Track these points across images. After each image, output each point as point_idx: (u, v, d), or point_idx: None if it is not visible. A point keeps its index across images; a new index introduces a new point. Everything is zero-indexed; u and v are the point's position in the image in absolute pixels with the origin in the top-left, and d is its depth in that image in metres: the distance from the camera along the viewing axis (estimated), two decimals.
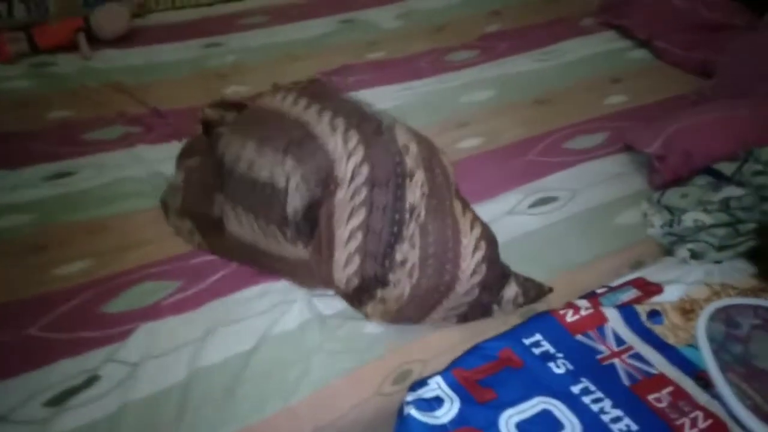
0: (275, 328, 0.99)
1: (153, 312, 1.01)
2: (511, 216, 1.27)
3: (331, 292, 1.07)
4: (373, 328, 1.02)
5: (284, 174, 1.02)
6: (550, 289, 1.08)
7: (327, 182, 1.01)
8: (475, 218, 1.07)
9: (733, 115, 1.28)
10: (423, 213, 1.01)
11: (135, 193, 1.28)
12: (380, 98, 1.65)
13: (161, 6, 2.06)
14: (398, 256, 1.00)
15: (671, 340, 0.92)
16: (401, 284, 0.98)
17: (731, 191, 1.15)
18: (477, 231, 1.03)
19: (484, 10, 2.18)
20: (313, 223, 1.02)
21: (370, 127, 1.06)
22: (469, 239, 1.01)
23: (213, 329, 0.99)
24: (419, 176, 1.04)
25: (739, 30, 1.75)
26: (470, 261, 0.99)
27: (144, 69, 1.75)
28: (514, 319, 1.03)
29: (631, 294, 1.01)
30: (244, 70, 1.78)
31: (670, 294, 1.00)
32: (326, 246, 1.00)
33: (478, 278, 1.00)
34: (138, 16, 1.99)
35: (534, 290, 1.07)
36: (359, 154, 1.01)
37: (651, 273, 1.07)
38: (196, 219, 1.14)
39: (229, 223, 1.09)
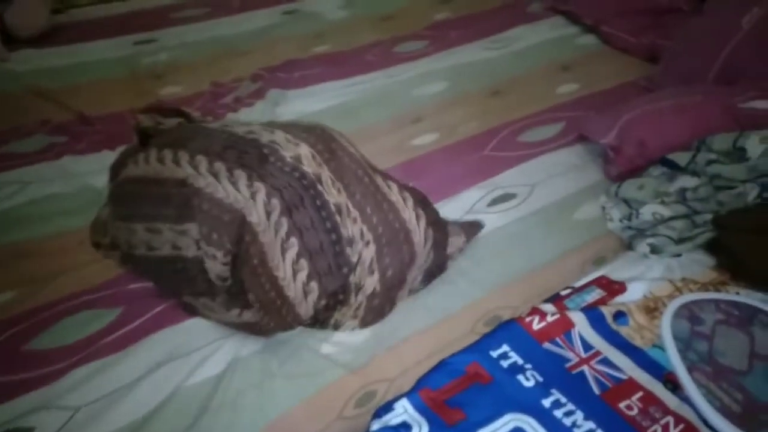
0: (226, 357, 0.92)
1: (90, 347, 0.92)
2: (471, 215, 1.22)
3: None
4: (330, 348, 0.96)
5: (192, 242, 0.92)
6: (482, 225, 1.16)
7: (242, 234, 0.90)
8: (401, 186, 1.06)
9: (685, 103, 1.27)
10: (351, 206, 0.97)
11: (63, 211, 1.17)
12: (328, 95, 1.59)
13: (85, 0, 1.90)
14: (353, 258, 0.96)
15: (637, 341, 0.90)
16: (365, 283, 0.97)
17: (686, 181, 1.15)
18: (410, 200, 1.04)
19: None
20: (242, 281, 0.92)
21: (254, 158, 0.94)
22: (408, 212, 1.02)
23: (159, 363, 0.90)
24: (325, 175, 0.97)
25: (685, 14, 1.76)
26: (419, 232, 1.02)
27: (68, 70, 1.62)
28: (480, 327, 0.99)
29: (596, 294, 0.99)
30: (180, 69, 1.67)
31: (634, 292, 0.99)
32: (274, 293, 0.91)
33: (430, 243, 1.04)
34: (59, 12, 1.84)
35: (472, 229, 1.14)
36: (261, 190, 0.90)
37: (613, 270, 1.05)
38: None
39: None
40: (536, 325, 0.92)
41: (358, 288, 0.97)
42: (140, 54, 1.71)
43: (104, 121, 1.44)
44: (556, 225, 1.21)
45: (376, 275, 0.98)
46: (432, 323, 1.01)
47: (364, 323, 0.98)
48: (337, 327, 0.98)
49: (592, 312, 0.94)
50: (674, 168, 1.19)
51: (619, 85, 1.66)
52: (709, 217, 1.09)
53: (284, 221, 0.90)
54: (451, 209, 1.22)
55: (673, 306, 0.92)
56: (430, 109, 1.55)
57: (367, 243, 0.97)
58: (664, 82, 1.57)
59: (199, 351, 0.93)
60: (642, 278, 1.02)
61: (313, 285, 0.92)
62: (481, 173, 1.32)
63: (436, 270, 1.07)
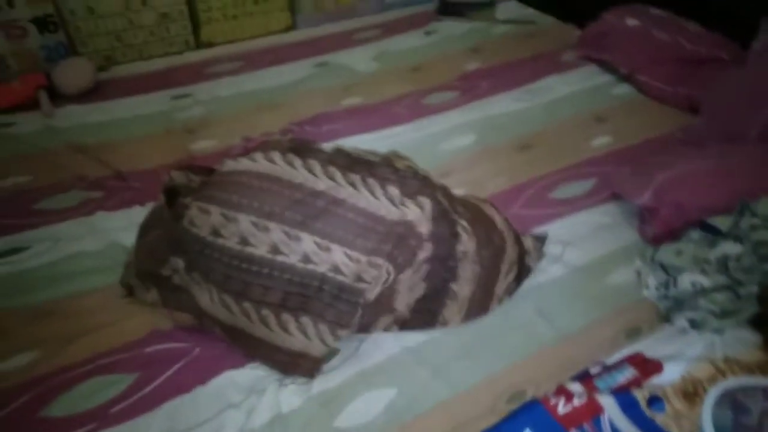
0: (246, 426, 0.89)
1: (101, 416, 0.91)
2: None
3: (300, 379, 0.97)
4: (344, 420, 0.92)
5: (315, 251, 0.96)
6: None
7: (403, 250, 0.98)
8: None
9: (724, 164, 1.21)
10: (461, 209, 1.08)
11: (90, 269, 1.18)
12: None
13: (128, 57, 1.99)
14: (460, 248, 1.04)
15: (675, 431, 0.82)
16: (467, 274, 1.04)
17: (728, 248, 1.07)
18: (482, 201, 1.22)
19: (462, 47, 2.13)
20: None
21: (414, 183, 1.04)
22: (487, 207, 1.17)
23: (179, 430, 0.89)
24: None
25: (724, 63, 1.70)
26: (500, 221, 1.14)
27: (108, 126, 1.67)
28: (501, 405, 0.94)
29: (628, 374, 0.92)
30: (212, 123, 1.70)
31: (671, 373, 0.92)
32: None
33: (513, 235, 1.14)
34: (104, 69, 1.92)
35: (540, 239, 1.23)
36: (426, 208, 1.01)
37: (649, 346, 0.98)
38: (153, 282, 1.06)
39: (198, 297, 1.01)
40: (562, 408, 0.86)
41: (462, 279, 1.04)
42: (175, 109, 1.76)
43: (137, 176, 1.47)
44: (587, 290, 1.15)
45: (477, 266, 1.05)
46: (449, 397, 0.96)
47: (467, 317, 1.06)
48: (444, 323, 1.05)
49: (623, 396, 0.87)
50: (715, 233, 1.12)
51: (655, 137, 1.60)
52: (754, 289, 1.02)
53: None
54: None
55: (714, 393, 0.85)
56: (458, 164, 1.53)
57: (468, 234, 1.04)
58: (702, 136, 1.50)
59: (214, 420, 0.91)
60: (680, 357, 0.95)
61: (419, 287, 1.01)
62: None
63: (522, 268, 1.14)
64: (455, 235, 1.02)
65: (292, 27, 2.24)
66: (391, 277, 0.97)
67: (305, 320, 0.97)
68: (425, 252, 1.00)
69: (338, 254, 0.96)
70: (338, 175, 1.01)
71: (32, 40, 1.81)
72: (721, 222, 1.11)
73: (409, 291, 1.01)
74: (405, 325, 1.05)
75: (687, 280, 1.07)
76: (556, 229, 1.29)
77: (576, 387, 0.90)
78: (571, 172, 1.47)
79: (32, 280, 1.16)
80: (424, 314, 1.05)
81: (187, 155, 1.56)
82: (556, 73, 1.93)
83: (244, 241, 0.96)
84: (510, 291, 1.12)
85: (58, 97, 1.76)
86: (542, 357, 1.02)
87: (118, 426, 0.90)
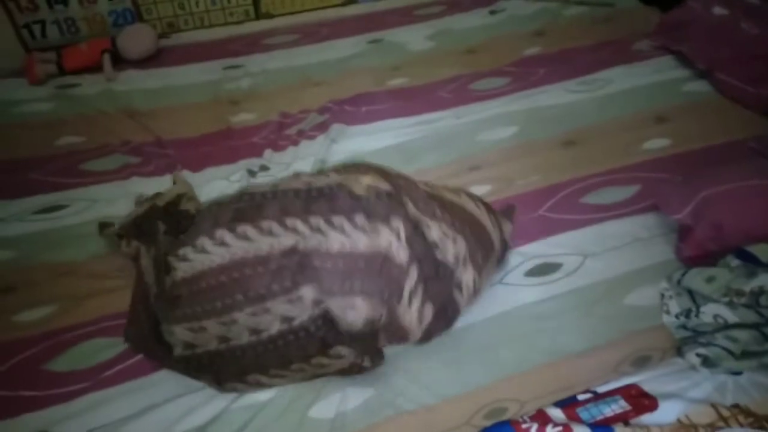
0: (230, 406, 0.93)
1: (95, 377, 0.97)
2: (503, 285, 1.12)
3: None
4: (319, 411, 0.92)
5: (305, 308, 0.91)
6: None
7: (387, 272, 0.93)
8: (452, 188, 1.13)
9: None
10: (429, 215, 1.00)
11: (113, 232, 1.25)
12: (389, 133, 1.56)
13: (190, 25, 2.05)
14: (449, 260, 0.99)
15: None
16: (465, 278, 1.00)
17: (766, 281, 0.95)
18: (466, 196, 1.12)
19: (526, 29, 2.00)
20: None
21: (344, 202, 0.96)
22: (471, 205, 1.09)
23: (162, 401, 0.93)
24: (398, 192, 0.99)
25: None
26: (486, 219, 1.09)
27: (160, 92, 1.74)
28: (478, 419, 0.90)
29: (617, 408, 0.85)
30: (256, 96, 1.73)
31: (665, 413, 0.83)
32: (395, 326, 0.95)
33: (498, 229, 1.11)
34: (166, 36, 2.00)
35: (510, 213, 1.18)
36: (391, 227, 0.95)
37: (650, 379, 0.90)
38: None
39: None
40: None
41: (461, 287, 0.99)
42: (225, 79, 1.80)
43: (175, 144, 1.53)
44: (601, 308, 1.07)
45: (471, 268, 1.00)
46: (428, 403, 0.93)
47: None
48: None
49: (602, 430, 0.80)
50: (753, 262, 0.99)
51: (723, 143, 1.44)
52: None
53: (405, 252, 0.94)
54: None
55: None
56: (492, 157, 1.45)
57: (454, 240, 0.99)
58: None
59: (195, 393, 0.95)
60: (682, 396, 0.87)
61: (427, 308, 0.95)
62: (527, 236, 1.21)
63: (503, 255, 1.13)
64: (433, 246, 0.97)
65: (352, 0, 2.20)
66: (383, 317, 0.93)
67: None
68: (412, 277, 0.94)
69: (336, 306, 0.92)
70: (299, 224, 0.94)
71: (101, 6, 1.91)
72: (763, 251, 0.98)
73: (419, 323, 0.95)
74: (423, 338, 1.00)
75: (710, 312, 0.96)
76: (580, 238, 1.20)
77: (556, 413, 0.85)
78: (613, 176, 1.36)
79: (65, 237, 1.25)
80: (441, 322, 0.99)
81: (227, 127, 1.60)
82: (623, 63, 1.76)
83: (255, 332, 0.92)
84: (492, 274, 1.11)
85: (121, 62, 1.85)
86: (535, 375, 0.97)
87: (107, 389, 0.96)
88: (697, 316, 0.97)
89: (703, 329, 0.95)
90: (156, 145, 1.53)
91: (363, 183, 0.98)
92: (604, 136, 1.49)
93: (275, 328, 0.91)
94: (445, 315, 0.98)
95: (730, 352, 0.89)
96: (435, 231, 0.98)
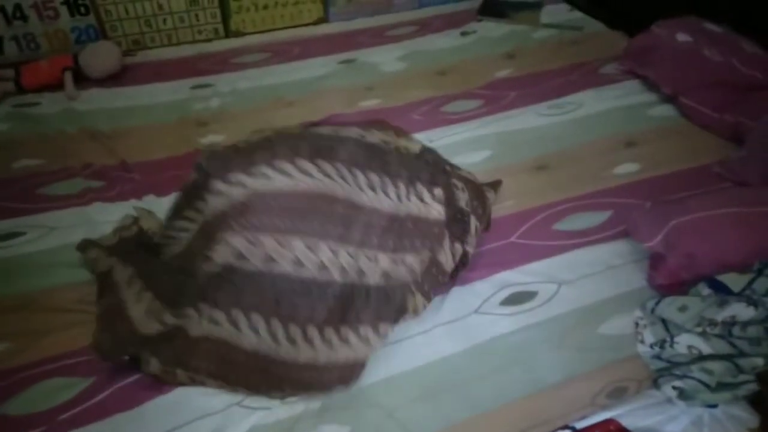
0: None
1: (51, 420, 0.92)
2: (477, 315, 1.11)
3: (260, 403, 0.95)
4: None
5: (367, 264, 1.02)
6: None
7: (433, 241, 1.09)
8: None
9: (749, 213, 1.08)
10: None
11: (75, 262, 1.19)
12: None
13: (157, 43, 2.00)
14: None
15: None
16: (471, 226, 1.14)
17: (739, 310, 0.96)
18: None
19: (497, 52, 2.02)
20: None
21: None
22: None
23: None
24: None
25: None
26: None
27: (124, 113, 1.69)
28: None
29: None
30: (225, 117, 1.69)
31: None
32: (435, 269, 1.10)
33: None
34: (132, 53, 1.94)
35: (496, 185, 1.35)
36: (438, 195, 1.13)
37: (627, 413, 0.90)
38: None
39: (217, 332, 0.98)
40: None
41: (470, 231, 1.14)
42: (193, 99, 1.76)
43: (141, 168, 1.48)
44: (576, 338, 1.07)
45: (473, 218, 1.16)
46: None
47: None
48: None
49: None
50: (724, 291, 1.00)
51: (689, 169, 1.46)
52: (760, 362, 0.90)
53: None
54: (456, 306, 1.12)
55: None
56: None
57: (464, 191, 1.17)
58: (742, 173, 1.36)
59: None
60: (659, 431, 0.86)
61: (457, 246, 1.11)
62: (500, 263, 1.20)
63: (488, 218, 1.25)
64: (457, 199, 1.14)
65: (324, 19, 2.19)
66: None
67: (345, 330, 0.99)
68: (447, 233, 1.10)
69: (385, 262, 1.04)
70: (361, 178, 1.06)
71: (64, 22, 1.84)
72: (733, 281, 0.99)
73: (453, 260, 1.10)
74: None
75: (684, 342, 0.96)
76: (553, 265, 1.20)
77: None
78: (586, 201, 1.37)
79: (20, 267, 1.19)
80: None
81: (195, 149, 1.55)
82: (592, 87, 1.79)
83: (299, 263, 0.97)
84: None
85: (83, 80, 1.79)
86: (510, 409, 0.95)
87: None
88: (671, 346, 0.97)
89: (677, 360, 0.95)
90: (120, 168, 1.47)
91: (401, 144, 1.16)
92: (576, 161, 1.50)
93: (312, 271, 0.97)
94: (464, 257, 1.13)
95: (706, 385, 0.89)
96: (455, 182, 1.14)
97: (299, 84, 1.84)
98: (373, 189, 1.06)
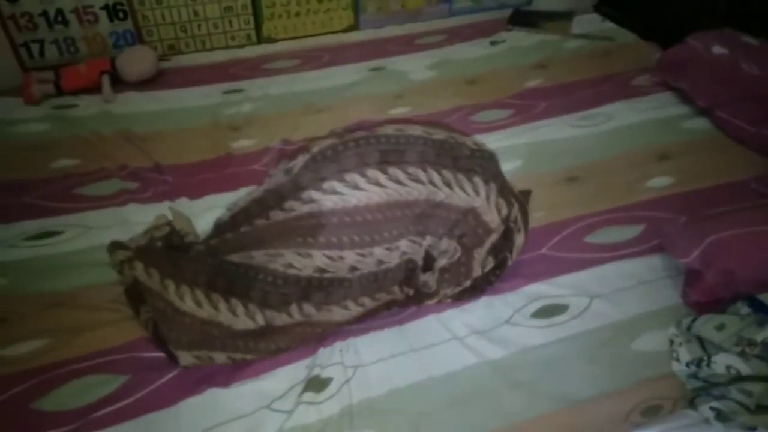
0: None
1: (85, 417, 0.93)
2: (508, 326, 1.10)
3: (282, 407, 0.95)
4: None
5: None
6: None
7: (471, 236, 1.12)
8: None
9: None
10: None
11: (107, 261, 1.21)
12: None
13: (191, 48, 2.03)
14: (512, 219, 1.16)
15: None
16: (517, 241, 1.16)
17: None
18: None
19: (527, 62, 2.01)
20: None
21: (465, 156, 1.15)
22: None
23: None
24: None
25: None
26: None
27: (159, 116, 1.72)
28: None
29: None
30: (257, 122, 1.71)
31: None
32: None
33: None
34: (167, 58, 1.98)
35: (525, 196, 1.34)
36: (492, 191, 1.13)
37: None
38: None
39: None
40: None
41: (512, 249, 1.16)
42: (225, 104, 1.78)
43: (174, 170, 1.50)
44: (608, 353, 1.05)
45: (522, 233, 1.17)
46: None
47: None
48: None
49: None
50: (764, 311, 0.98)
51: (725, 184, 1.44)
52: None
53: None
54: (487, 315, 1.11)
55: None
56: None
57: (512, 206, 1.16)
58: None
59: None
60: None
61: (490, 260, 1.13)
62: (531, 275, 1.19)
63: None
64: (510, 216, 1.14)
65: (354, 27, 2.21)
66: (459, 254, 1.11)
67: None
68: (494, 237, 1.12)
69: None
70: (435, 175, 1.09)
71: (102, 27, 1.89)
72: None
73: (482, 266, 1.12)
74: (459, 296, 1.14)
75: (722, 362, 0.94)
76: (585, 278, 1.19)
77: None
78: (618, 215, 1.35)
79: (57, 266, 1.21)
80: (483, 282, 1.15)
81: (227, 153, 1.58)
82: (624, 99, 1.77)
83: (381, 263, 1.07)
84: None
85: (120, 83, 1.83)
86: (540, 423, 0.94)
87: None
88: (708, 366, 0.95)
89: (715, 380, 0.93)
90: (154, 170, 1.50)
91: (472, 140, 1.18)
92: (607, 173, 1.49)
93: (394, 261, 1.07)
94: (501, 267, 1.15)
95: (745, 406, 0.87)
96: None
97: (329, 91, 1.85)
98: (449, 186, 1.09)
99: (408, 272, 1.09)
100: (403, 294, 1.10)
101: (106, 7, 1.86)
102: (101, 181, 1.46)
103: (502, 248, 1.13)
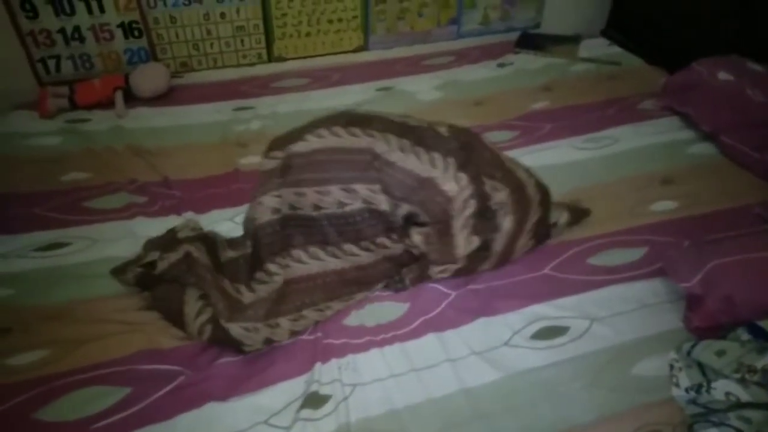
0: None
1: (84, 428, 0.94)
2: (507, 347, 1.10)
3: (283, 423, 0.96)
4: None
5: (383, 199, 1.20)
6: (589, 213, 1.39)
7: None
8: (515, 163, 1.32)
9: None
10: (498, 173, 1.23)
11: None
12: None
13: (203, 66, 2.08)
14: (495, 201, 1.20)
15: None
16: (503, 225, 1.21)
17: None
18: (516, 163, 1.32)
19: (533, 84, 2.03)
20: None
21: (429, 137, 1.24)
22: (520, 172, 1.28)
23: None
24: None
25: None
26: (531, 186, 1.27)
27: (169, 131, 1.75)
28: None
29: None
30: (264, 139, 1.68)
31: None
32: (447, 238, 1.20)
33: (538, 198, 1.27)
34: (179, 75, 2.02)
35: (579, 213, 1.38)
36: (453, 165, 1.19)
37: None
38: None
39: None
40: None
41: (503, 231, 1.21)
42: (235, 120, 1.81)
43: (182, 185, 1.53)
44: (608, 377, 1.05)
45: (514, 216, 1.21)
46: None
47: (495, 268, 1.25)
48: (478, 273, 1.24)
49: None
50: (764, 338, 0.97)
51: (728, 209, 1.44)
52: None
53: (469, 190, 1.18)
54: (485, 337, 1.11)
55: None
56: None
57: (499, 190, 1.21)
58: None
59: None
60: None
61: (474, 239, 1.19)
62: (532, 296, 1.20)
63: (542, 232, 1.30)
64: (486, 196, 1.19)
65: (363, 47, 2.25)
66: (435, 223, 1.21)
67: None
68: (466, 212, 1.18)
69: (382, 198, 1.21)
70: (392, 139, 1.21)
71: (118, 44, 1.94)
72: None
73: (465, 246, 1.19)
74: (457, 272, 1.22)
75: (722, 389, 0.94)
76: (586, 300, 1.19)
77: None
78: (621, 237, 1.35)
79: (64, 277, 1.23)
80: (473, 262, 1.22)
81: (234, 169, 1.60)
82: (630, 123, 1.78)
83: (342, 204, 1.19)
84: (527, 248, 1.28)
85: (133, 99, 1.87)
86: None
87: None
88: (708, 392, 0.95)
89: (714, 406, 0.93)
90: (163, 185, 1.53)
91: (443, 127, 1.27)
92: (611, 196, 1.49)
93: (357, 205, 1.18)
94: (485, 250, 1.21)
95: None
96: (488, 185, 1.19)
97: (337, 110, 1.87)
98: (402, 151, 1.19)
99: (384, 221, 1.20)
100: (397, 246, 1.22)
101: (122, 25, 1.90)
102: (110, 195, 1.48)
103: (483, 229, 1.19)
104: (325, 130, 1.24)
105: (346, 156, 1.20)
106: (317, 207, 1.20)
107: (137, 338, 1.09)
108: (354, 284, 1.20)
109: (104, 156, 1.63)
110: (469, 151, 1.22)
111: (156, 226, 1.36)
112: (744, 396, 0.91)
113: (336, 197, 1.19)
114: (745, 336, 1.00)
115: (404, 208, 1.19)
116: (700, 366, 1.00)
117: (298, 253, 1.23)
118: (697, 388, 0.97)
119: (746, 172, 1.56)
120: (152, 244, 1.26)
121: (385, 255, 1.24)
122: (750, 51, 1.76)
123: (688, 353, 1.03)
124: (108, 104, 1.84)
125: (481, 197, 1.18)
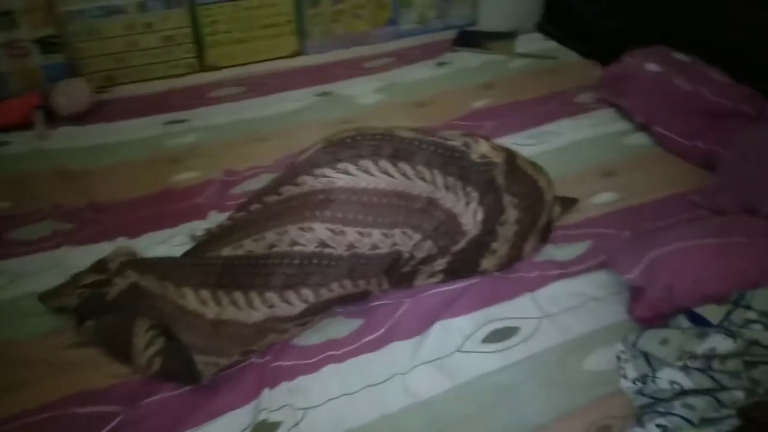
0: None
1: None
2: (460, 354, 1.08)
3: None
4: None
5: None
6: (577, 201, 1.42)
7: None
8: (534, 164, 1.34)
9: (726, 244, 1.08)
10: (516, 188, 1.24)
11: (41, 311, 1.14)
12: None
13: (128, 78, 1.97)
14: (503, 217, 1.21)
15: None
16: (506, 232, 1.21)
17: (718, 342, 0.94)
18: (544, 174, 1.34)
19: (474, 82, 2.04)
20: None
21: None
22: (540, 177, 1.31)
23: None
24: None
25: (748, 118, 1.55)
26: (548, 191, 1.30)
27: (95, 151, 1.66)
28: None
29: None
30: (200, 153, 1.66)
31: None
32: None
33: (551, 195, 1.30)
34: (104, 90, 1.92)
35: (569, 203, 1.40)
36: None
37: None
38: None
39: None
40: None
41: (502, 238, 1.21)
42: (167, 135, 1.73)
43: (112, 208, 1.44)
44: (560, 374, 1.05)
45: (516, 227, 1.23)
46: None
47: (501, 268, 1.24)
48: (483, 272, 1.23)
49: None
50: (703, 324, 0.99)
51: (667, 196, 1.47)
52: (740, 395, 0.89)
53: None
54: (437, 345, 1.09)
55: None
56: None
57: (512, 195, 1.23)
58: (717, 201, 1.37)
59: None
60: None
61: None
62: (481, 299, 1.18)
63: (546, 230, 1.31)
64: (502, 211, 1.21)
65: (300, 52, 2.20)
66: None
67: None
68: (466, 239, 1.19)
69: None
70: (438, 177, 1.19)
71: (34, 60, 1.81)
72: (711, 312, 0.99)
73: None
74: (447, 277, 1.21)
75: (666, 378, 0.95)
76: (535, 298, 1.19)
77: None
78: (566, 232, 1.36)
79: None
80: (465, 264, 1.21)
81: (167, 187, 1.52)
82: (568, 117, 1.81)
83: (374, 247, 1.14)
84: (535, 249, 1.29)
85: (54, 118, 1.76)
86: None
87: None
88: (653, 381, 0.96)
89: (660, 396, 0.94)
90: (89, 209, 1.44)
91: (481, 150, 1.23)
92: (556, 191, 1.50)
93: (385, 250, 1.14)
94: (471, 255, 1.22)
95: (689, 421, 0.87)
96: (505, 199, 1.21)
97: (275, 118, 1.83)
98: (446, 188, 1.19)
99: (392, 262, 1.16)
100: (380, 289, 1.19)
101: (38, 41, 1.79)
102: (33, 224, 1.39)
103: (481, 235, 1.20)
104: (373, 166, 1.17)
105: (399, 201, 1.16)
106: (352, 246, 1.12)
107: (70, 380, 1.01)
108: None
109: (26, 181, 1.52)
110: (489, 176, 1.21)
111: (84, 255, 1.28)
112: (687, 383, 0.92)
113: (374, 240, 1.13)
114: (685, 323, 1.02)
115: (424, 245, 1.17)
116: (646, 356, 1.02)
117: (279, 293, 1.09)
118: (644, 379, 0.98)
119: (680, 160, 1.61)
120: (80, 278, 1.16)
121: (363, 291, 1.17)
122: (676, 42, 1.81)
123: (634, 344, 1.04)
124: (27, 125, 1.72)
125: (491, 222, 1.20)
